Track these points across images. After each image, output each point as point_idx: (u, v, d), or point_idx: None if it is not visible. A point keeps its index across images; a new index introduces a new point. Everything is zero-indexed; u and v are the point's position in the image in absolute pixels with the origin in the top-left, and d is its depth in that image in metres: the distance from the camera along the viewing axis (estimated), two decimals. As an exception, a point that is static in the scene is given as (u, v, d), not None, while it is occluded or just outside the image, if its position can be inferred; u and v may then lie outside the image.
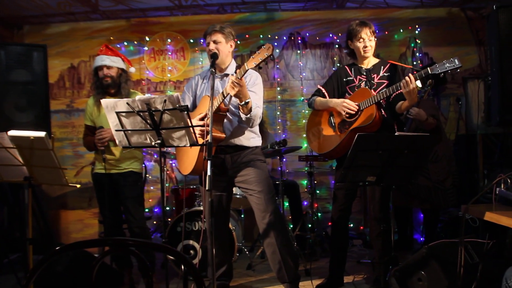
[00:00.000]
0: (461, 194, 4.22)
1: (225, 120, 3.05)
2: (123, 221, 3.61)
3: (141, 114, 2.49)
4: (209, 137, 2.52)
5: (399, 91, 2.91)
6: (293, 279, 3.15)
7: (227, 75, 3.14)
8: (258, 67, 2.66)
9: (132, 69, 3.61)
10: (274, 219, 3.08)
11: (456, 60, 2.69)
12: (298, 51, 5.37)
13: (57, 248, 1.34)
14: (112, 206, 3.45)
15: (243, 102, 2.81)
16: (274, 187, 3.31)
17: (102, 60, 3.37)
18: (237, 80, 2.68)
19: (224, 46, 3.10)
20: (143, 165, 4.01)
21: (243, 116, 2.91)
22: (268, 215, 3.07)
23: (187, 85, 3.36)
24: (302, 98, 5.33)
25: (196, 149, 2.99)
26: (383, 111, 3.11)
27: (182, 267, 3.20)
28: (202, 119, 2.95)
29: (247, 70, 2.68)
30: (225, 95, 2.84)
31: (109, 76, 3.35)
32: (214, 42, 3.08)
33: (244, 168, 3.13)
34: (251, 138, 3.18)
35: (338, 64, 5.26)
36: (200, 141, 2.79)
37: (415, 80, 2.79)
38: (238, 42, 5.26)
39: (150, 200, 5.27)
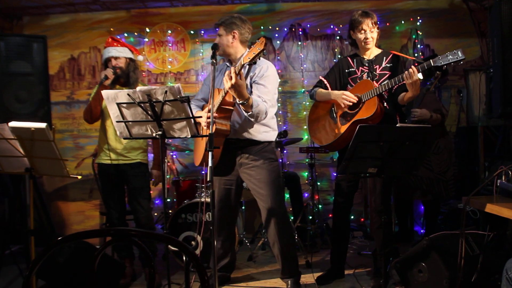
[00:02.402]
0: (461, 186, 4.23)
1: (234, 113, 3.02)
2: (126, 213, 3.62)
3: (142, 105, 2.48)
4: (213, 128, 2.52)
5: (401, 83, 2.89)
6: (294, 274, 3.18)
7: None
8: (253, 62, 2.61)
9: (140, 57, 3.63)
10: (280, 222, 3.08)
11: (459, 52, 2.66)
12: (299, 43, 5.34)
13: (59, 238, 1.33)
14: (118, 197, 3.47)
15: (240, 102, 2.77)
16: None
17: (109, 52, 3.41)
18: (232, 74, 2.63)
19: (223, 38, 3.08)
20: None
21: (244, 112, 2.88)
22: (273, 219, 3.07)
23: (206, 78, 3.39)
24: (303, 89, 5.31)
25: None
26: (385, 103, 3.10)
27: (184, 258, 3.21)
28: (209, 111, 2.95)
29: (243, 65, 2.66)
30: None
31: (117, 67, 3.38)
32: (219, 35, 3.09)
33: (253, 167, 3.09)
34: (263, 132, 3.11)
35: (339, 56, 5.24)
36: (207, 133, 2.79)
37: (418, 72, 2.77)
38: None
39: (151, 192, 5.25)
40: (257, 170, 3.07)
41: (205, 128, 3.02)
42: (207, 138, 2.98)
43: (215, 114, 2.92)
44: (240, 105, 2.83)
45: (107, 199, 3.51)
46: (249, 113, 2.85)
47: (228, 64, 2.97)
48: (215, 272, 2.52)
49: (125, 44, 3.52)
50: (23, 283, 1.39)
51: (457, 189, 4.09)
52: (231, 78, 2.64)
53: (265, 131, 3.12)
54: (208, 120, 2.93)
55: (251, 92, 2.99)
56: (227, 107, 2.95)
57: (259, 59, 2.63)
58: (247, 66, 3.01)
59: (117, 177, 3.44)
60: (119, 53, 3.40)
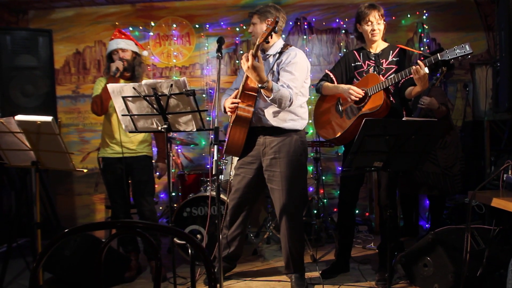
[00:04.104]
0: (467, 180, 4.21)
1: (260, 101, 3.00)
2: (131, 206, 3.63)
3: (148, 98, 2.48)
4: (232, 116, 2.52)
5: (407, 77, 2.88)
6: (299, 270, 3.18)
7: (271, 55, 3.10)
8: (266, 41, 2.67)
9: (145, 53, 3.63)
10: (291, 220, 3.07)
11: (467, 46, 2.63)
12: (304, 37, 5.32)
13: (66, 230, 1.34)
14: (122, 191, 3.47)
15: (259, 85, 2.75)
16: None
17: (117, 44, 3.38)
18: (250, 56, 2.64)
19: (257, 27, 3.06)
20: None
21: (265, 96, 2.84)
22: (284, 215, 3.07)
23: (241, 69, 3.39)
24: (308, 84, 5.29)
25: (235, 130, 3.02)
26: (391, 97, 3.08)
27: (190, 251, 3.22)
28: (235, 97, 3.01)
29: (258, 46, 2.67)
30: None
31: (124, 59, 3.35)
32: (253, 24, 3.10)
33: (274, 159, 3.05)
34: (290, 120, 3.04)
35: (345, 50, 5.21)
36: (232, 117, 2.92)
37: (425, 67, 2.75)
38: (244, 27, 5.23)
39: (156, 186, 5.27)
40: (277, 162, 3.03)
41: (229, 111, 3.07)
42: (232, 128, 3.01)
43: (239, 100, 2.97)
44: (260, 89, 2.81)
45: (112, 193, 3.52)
46: (270, 98, 2.80)
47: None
48: (220, 260, 2.52)
49: (132, 38, 3.51)
50: (30, 276, 1.40)
51: (463, 184, 4.07)
52: (248, 60, 2.64)
53: (292, 119, 3.05)
54: (231, 105, 2.97)
55: (278, 80, 2.96)
56: (250, 92, 2.95)
57: (271, 37, 2.68)
58: (277, 55, 3.04)
59: (122, 171, 3.44)
60: (127, 45, 3.38)
